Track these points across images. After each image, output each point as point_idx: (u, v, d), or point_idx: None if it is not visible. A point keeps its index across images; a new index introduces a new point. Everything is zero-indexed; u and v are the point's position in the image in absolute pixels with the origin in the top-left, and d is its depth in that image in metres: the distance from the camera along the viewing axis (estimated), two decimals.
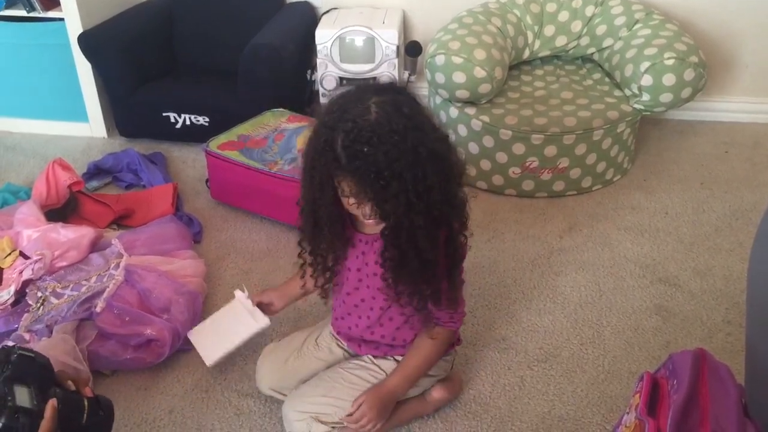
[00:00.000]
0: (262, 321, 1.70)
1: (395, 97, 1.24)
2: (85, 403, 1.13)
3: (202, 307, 1.99)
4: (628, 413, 1.18)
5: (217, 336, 1.74)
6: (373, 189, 1.21)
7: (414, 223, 1.25)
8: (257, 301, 1.71)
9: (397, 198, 1.21)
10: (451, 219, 1.32)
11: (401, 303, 1.40)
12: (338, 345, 1.66)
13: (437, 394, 1.65)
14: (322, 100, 2.92)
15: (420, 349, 1.52)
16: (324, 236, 1.38)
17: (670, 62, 2.40)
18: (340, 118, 1.22)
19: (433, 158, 1.22)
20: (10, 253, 2.01)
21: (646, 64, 2.44)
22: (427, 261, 1.31)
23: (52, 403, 1.06)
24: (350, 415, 1.48)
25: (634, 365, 1.81)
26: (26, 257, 2.00)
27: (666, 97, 2.44)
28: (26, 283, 1.94)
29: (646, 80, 2.43)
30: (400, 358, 1.57)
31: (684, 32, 2.58)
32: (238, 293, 1.74)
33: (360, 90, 1.27)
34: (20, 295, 1.93)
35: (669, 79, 2.40)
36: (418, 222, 1.25)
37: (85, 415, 1.12)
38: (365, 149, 1.18)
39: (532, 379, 1.78)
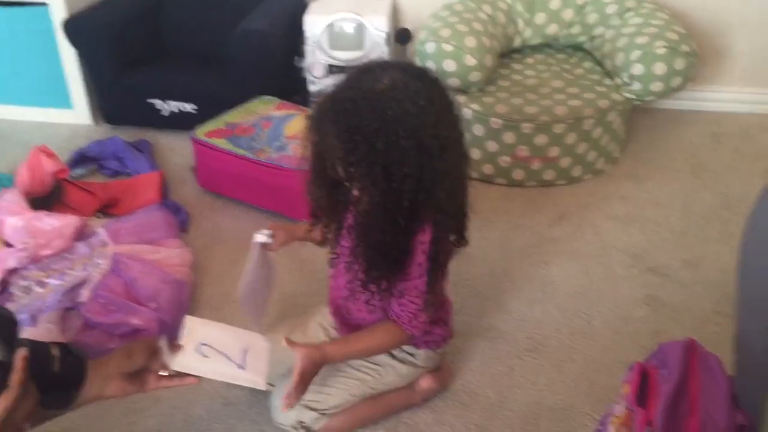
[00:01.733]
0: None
1: (416, 83, 1.22)
2: (53, 351, 1.10)
3: (189, 296, 1.97)
4: (617, 403, 1.18)
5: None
6: (343, 146, 1.21)
7: (375, 199, 1.25)
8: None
9: (362, 164, 1.21)
10: (437, 220, 1.31)
11: (361, 284, 1.38)
12: (326, 335, 1.65)
13: (426, 384, 1.64)
14: (311, 88, 2.89)
15: (372, 335, 1.45)
16: (315, 185, 1.37)
17: (662, 51, 2.39)
18: (355, 77, 1.24)
19: (419, 150, 1.21)
20: None
21: (637, 53, 2.43)
22: (384, 244, 1.30)
23: (22, 353, 1.01)
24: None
25: (623, 355, 1.81)
26: (10, 246, 1.97)
27: (657, 86, 2.43)
28: (10, 273, 1.92)
29: (637, 69, 2.42)
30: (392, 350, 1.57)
31: (675, 21, 2.57)
32: (259, 237, 1.54)
33: (391, 63, 1.28)
34: (4, 285, 1.90)
35: (660, 68, 2.40)
36: (378, 199, 1.24)
37: (57, 363, 1.09)
38: (348, 106, 1.19)
39: (522, 368, 1.78)
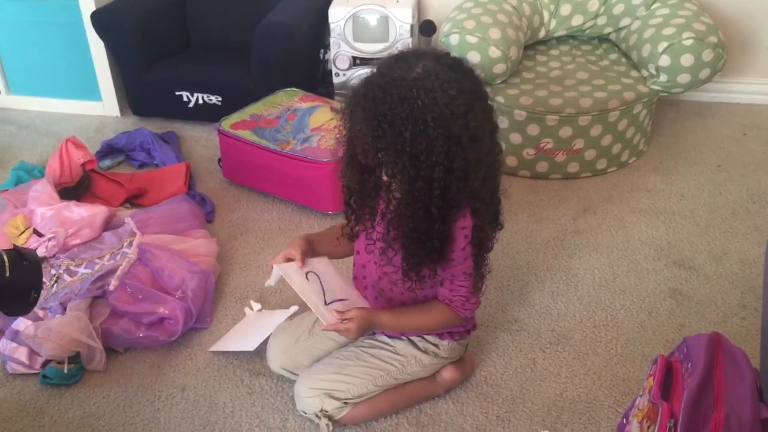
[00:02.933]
0: (285, 312, 1.78)
1: (448, 73, 1.22)
2: (4, 256, 1.09)
3: (214, 286, 1.99)
4: (641, 396, 1.18)
5: (248, 334, 1.80)
6: (371, 133, 1.23)
7: (404, 187, 1.27)
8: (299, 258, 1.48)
9: (389, 152, 1.23)
10: (476, 207, 1.33)
11: (399, 271, 1.40)
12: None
13: (448, 374, 1.64)
14: (335, 80, 2.90)
15: (428, 314, 1.49)
16: (348, 170, 1.39)
17: (689, 42, 2.36)
18: (389, 64, 1.25)
19: (447, 139, 1.21)
20: (24, 231, 2.02)
21: (664, 44, 2.40)
22: (420, 232, 1.31)
23: None
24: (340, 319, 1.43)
25: (647, 348, 1.80)
26: (40, 235, 2.01)
27: (684, 78, 2.41)
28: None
29: (664, 60, 2.39)
30: (415, 338, 1.58)
31: (703, 12, 2.53)
32: (248, 312, 1.90)
33: (426, 52, 1.28)
34: None
35: (687, 60, 2.37)
36: (408, 187, 1.26)
37: (7, 269, 1.08)
38: (379, 94, 1.20)
39: (544, 361, 1.78)
